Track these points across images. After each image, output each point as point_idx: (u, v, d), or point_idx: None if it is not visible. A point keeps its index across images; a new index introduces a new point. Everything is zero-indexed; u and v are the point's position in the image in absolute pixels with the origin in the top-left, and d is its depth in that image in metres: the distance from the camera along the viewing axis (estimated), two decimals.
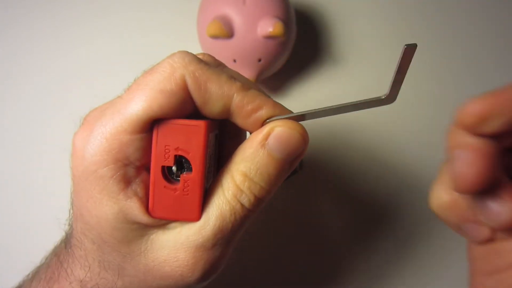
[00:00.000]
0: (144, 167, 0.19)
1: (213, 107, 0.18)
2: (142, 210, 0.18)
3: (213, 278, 0.20)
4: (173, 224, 0.19)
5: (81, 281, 0.20)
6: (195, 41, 0.36)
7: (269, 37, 0.32)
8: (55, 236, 0.24)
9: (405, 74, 0.17)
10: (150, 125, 0.18)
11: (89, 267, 0.20)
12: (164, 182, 0.18)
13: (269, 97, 0.20)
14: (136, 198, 0.18)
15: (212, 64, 0.20)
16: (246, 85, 0.19)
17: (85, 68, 0.39)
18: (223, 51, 0.33)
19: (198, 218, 0.19)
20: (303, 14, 0.40)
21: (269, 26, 0.32)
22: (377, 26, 0.40)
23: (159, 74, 0.18)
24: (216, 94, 0.18)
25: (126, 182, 0.18)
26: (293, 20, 0.35)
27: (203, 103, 0.18)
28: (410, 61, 0.16)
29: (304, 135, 0.19)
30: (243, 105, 0.18)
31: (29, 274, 0.24)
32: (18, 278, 0.24)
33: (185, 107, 0.18)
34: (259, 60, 0.33)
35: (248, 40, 0.32)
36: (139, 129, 0.18)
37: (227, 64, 0.35)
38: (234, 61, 0.33)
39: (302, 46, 0.39)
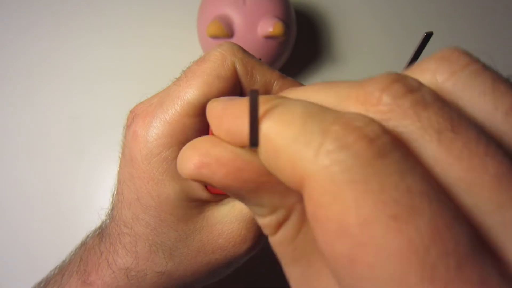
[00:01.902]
0: None
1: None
2: (201, 187, 0.20)
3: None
4: (226, 200, 0.21)
5: (126, 269, 0.20)
6: (195, 41, 0.36)
7: (269, 37, 0.32)
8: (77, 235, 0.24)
9: (418, 59, 0.18)
10: None
11: (137, 253, 0.20)
12: None
13: (302, 85, 0.21)
14: None
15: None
16: (283, 74, 0.21)
17: (87, 72, 0.39)
18: None
19: None
20: (303, 14, 0.40)
21: (269, 26, 0.32)
22: (377, 26, 0.40)
23: (212, 62, 0.19)
24: (260, 80, 0.20)
25: None
26: (293, 20, 0.35)
27: (249, 88, 0.20)
28: (424, 48, 0.17)
29: None
30: (282, 91, 0.20)
31: (55, 269, 0.24)
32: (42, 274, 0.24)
33: (236, 91, 0.20)
34: (259, 60, 0.33)
35: (248, 40, 0.32)
36: (199, 112, 0.19)
37: None
38: None
39: (302, 46, 0.39)
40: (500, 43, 0.41)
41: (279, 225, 0.12)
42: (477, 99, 0.10)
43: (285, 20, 0.33)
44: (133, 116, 0.21)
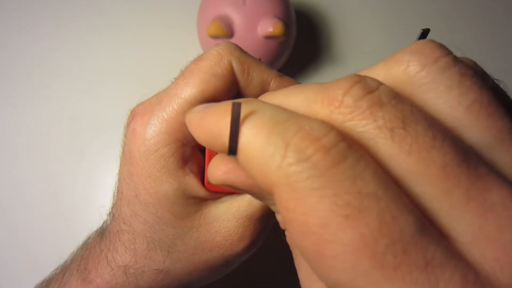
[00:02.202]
0: (198, 147, 0.21)
1: (253, 90, 0.20)
2: (199, 185, 0.20)
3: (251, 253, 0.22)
4: (224, 198, 0.21)
5: (124, 266, 0.21)
6: (195, 41, 0.36)
7: (269, 37, 0.32)
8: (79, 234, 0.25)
9: None
10: None
11: (136, 250, 0.21)
12: None
13: (299, 83, 0.21)
14: (192, 174, 0.20)
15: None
16: (280, 73, 0.21)
17: (87, 72, 0.39)
18: None
19: None
20: (303, 14, 0.40)
21: (269, 26, 0.32)
22: (377, 26, 0.40)
23: (209, 60, 0.19)
24: (257, 78, 0.20)
25: (184, 160, 0.20)
26: (293, 20, 0.35)
27: (246, 86, 0.20)
28: None
29: None
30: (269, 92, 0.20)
31: (57, 268, 0.24)
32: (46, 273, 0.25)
33: (233, 89, 0.20)
34: (259, 60, 0.33)
35: (248, 40, 0.32)
36: None
37: None
38: None
39: (302, 46, 0.39)
40: (500, 43, 0.41)
41: None
42: (443, 93, 0.10)
43: (285, 20, 0.33)
44: (133, 115, 0.21)
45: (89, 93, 0.39)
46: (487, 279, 0.08)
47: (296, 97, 0.12)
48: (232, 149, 0.11)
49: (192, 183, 0.20)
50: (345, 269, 0.09)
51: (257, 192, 0.13)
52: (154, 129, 0.20)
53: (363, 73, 0.12)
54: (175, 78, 0.20)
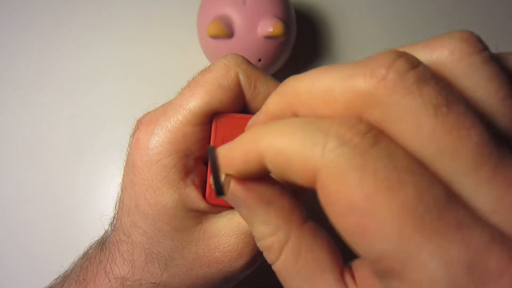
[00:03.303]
0: (201, 159, 0.21)
1: (260, 104, 0.20)
2: (200, 197, 0.20)
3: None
4: (225, 212, 0.20)
5: (122, 278, 0.20)
6: (195, 41, 0.36)
7: (269, 37, 0.32)
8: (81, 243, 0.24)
9: None
10: (210, 118, 0.20)
11: (134, 262, 0.20)
12: None
13: None
14: (194, 186, 0.20)
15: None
16: None
17: (87, 72, 0.39)
18: (223, 51, 0.33)
19: None
20: (303, 14, 0.40)
21: (269, 26, 0.32)
22: (377, 26, 0.40)
23: (216, 72, 0.19)
24: (264, 92, 0.20)
25: (186, 172, 0.20)
26: (293, 20, 0.35)
27: (252, 100, 0.20)
28: None
29: None
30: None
31: (57, 278, 0.24)
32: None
33: (239, 102, 0.20)
34: (259, 60, 0.33)
35: (248, 40, 0.32)
36: (201, 121, 0.19)
37: None
38: None
39: (302, 46, 0.39)
40: (500, 43, 0.41)
41: (281, 247, 0.14)
42: (483, 82, 0.11)
43: (285, 20, 0.33)
44: (138, 125, 0.21)
45: (89, 93, 0.39)
46: (510, 240, 0.09)
47: (330, 75, 0.12)
48: (219, 190, 0.12)
49: (193, 195, 0.20)
50: (390, 236, 0.10)
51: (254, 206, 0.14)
52: (158, 139, 0.19)
53: (401, 50, 0.12)
54: (181, 89, 0.20)
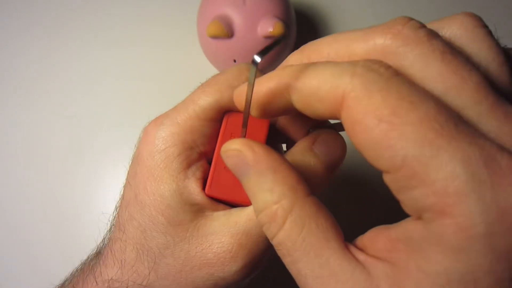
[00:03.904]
0: (205, 154, 0.21)
1: None
2: (198, 190, 0.20)
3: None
4: (222, 212, 0.20)
5: (109, 280, 0.20)
6: (195, 41, 0.36)
7: (269, 37, 0.32)
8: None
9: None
10: (220, 116, 0.20)
11: (124, 261, 0.20)
12: (225, 164, 0.19)
13: None
14: (193, 178, 0.20)
15: None
16: None
17: (87, 72, 0.39)
18: (223, 51, 0.33)
19: (251, 202, 0.19)
20: (303, 14, 0.40)
21: (269, 26, 0.32)
22: None
23: (229, 74, 0.20)
24: None
25: (188, 163, 0.20)
26: (293, 20, 0.35)
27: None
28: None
29: (344, 143, 0.20)
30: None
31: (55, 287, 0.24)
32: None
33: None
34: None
35: (248, 40, 0.32)
36: (210, 117, 0.20)
37: (227, 64, 0.35)
38: (234, 61, 0.33)
39: (302, 46, 0.39)
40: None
41: (285, 215, 0.14)
42: (485, 50, 0.15)
43: (285, 20, 0.33)
44: (150, 122, 0.21)
45: (89, 93, 0.39)
46: (509, 153, 0.11)
47: (351, 33, 0.15)
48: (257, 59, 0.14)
49: (191, 187, 0.20)
50: (414, 141, 0.11)
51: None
52: (165, 130, 0.20)
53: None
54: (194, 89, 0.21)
